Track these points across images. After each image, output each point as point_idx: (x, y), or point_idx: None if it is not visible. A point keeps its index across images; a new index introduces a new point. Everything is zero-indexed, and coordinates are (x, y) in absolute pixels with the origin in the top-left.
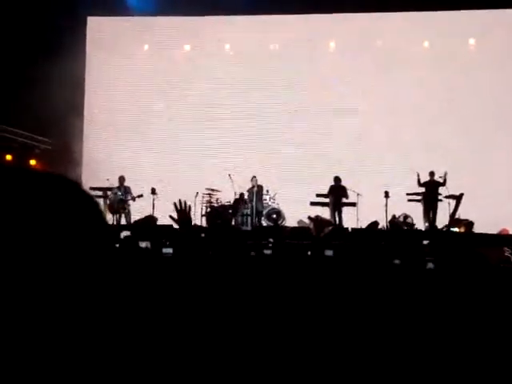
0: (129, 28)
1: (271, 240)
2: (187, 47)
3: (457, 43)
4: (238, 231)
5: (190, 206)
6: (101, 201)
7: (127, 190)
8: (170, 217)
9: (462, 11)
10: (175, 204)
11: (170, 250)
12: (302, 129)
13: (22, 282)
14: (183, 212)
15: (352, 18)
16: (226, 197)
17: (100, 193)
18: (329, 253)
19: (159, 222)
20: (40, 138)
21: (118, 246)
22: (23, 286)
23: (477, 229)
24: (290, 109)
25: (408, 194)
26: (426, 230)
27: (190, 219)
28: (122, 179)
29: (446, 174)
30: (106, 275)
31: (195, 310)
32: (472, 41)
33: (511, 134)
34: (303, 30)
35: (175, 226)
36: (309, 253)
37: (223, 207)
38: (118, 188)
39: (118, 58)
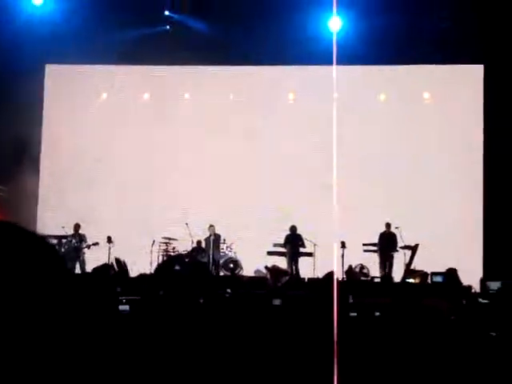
0: (88, 76)
1: (228, 290)
2: (146, 96)
3: (412, 97)
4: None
5: (124, 262)
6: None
7: (82, 238)
8: (116, 260)
9: (417, 65)
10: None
11: (126, 308)
12: (259, 178)
13: None
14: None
15: (309, 70)
16: (184, 245)
17: (55, 241)
18: (276, 302)
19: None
20: None
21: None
22: None
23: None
24: (248, 157)
25: (364, 245)
26: (381, 280)
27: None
28: (77, 227)
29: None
30: (67, 322)
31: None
32: (426, 95)
33: (464, 187)
34: (262, 81)
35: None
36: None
37: (180, 256)
38: (73, 236)
39: (76, 106)
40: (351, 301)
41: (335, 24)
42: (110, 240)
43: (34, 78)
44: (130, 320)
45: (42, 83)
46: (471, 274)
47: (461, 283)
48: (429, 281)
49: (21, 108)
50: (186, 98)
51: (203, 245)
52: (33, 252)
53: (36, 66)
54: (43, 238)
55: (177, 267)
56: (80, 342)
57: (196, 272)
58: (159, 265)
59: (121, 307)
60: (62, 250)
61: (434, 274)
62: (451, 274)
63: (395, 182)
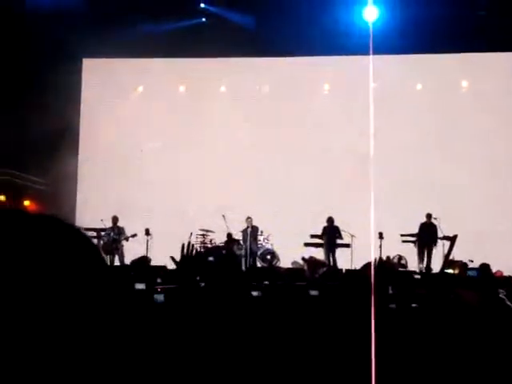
0: (124, 69)
1: (266, 282)
2: (182, 88)
3: (449, 85)
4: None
5: (193, 247)
6: (94, 241)
7: (120, 231)
8: (172, 258)
9: (454, 54)
10: (183, 246)
11: (161, 297)
12: (296, 169)
13: (20, 323)
14: (188, 257)
15: (346, 61)
16: (221, 237)
17: (94, 233)
18: (314, 293)
19: (153, 263)
20: (34, 178)
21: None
22: (22, 328)
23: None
24: (285, 149)
25: (402, 235)
26: (420, 271)
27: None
28: (115, 219)
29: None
30: (106, 316)
31: (188, 351)
32: (465, 83)
33: (503, 175)
34: (298, 72)
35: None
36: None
37: (217, 248)
38: (112, 228)
39: (112, 99)
40: (391, 292)
41: (371, 14)
42: (147, 232)
43: (72, 71)
44: (164, 310)
45: (80, 76)
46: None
47: (494, 277)
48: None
49: (59, 102)
50: (221, 90)
51: (240, 237)
52: (71, 245)
53: (74, 60)
54: (80, 231)
55: (210, 258)
56: (112, 333)
57: (228, 263)
58: (192, 255)
59: (156, 296)
60: (101, 242)
61: (468, 269)
62: (485, 269)
63: (433, 173)
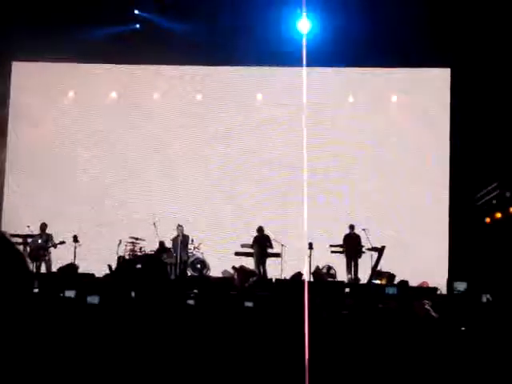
0: (55, 73)
1: (195, 291)
2: (114, 94)
3: (380, 99)
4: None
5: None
6: (21, 248)
7: (49, 238)
8: (109, 266)
9: (384, 68)
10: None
11: (95, 300)
12: (230, 179)
13: None
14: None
15: (280, 71)
16: (151, 246)
17: (20, 240)
18: (249, 304)
19: (80, 270)
20: None
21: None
22: None
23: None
24: (217, 158)
25: (331, 246)
26: (348, 281)
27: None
28: (43, 226)
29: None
30: (21, 319)
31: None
32: (394, 98)
33: (432, 187)
34: (232, 82)
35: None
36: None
37: (146, 256)
38: (40, 235)
39: (42, 104)
40: (318, 301)
41: (304, 26)
42: (76, 239)
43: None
44: (99, 312)
45: (9, 80)
46: (438, 275)
47: (411, 294)
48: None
49: None
50: (155, 98)
51: (170, 245)
52: None
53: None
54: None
55: (138, 266)
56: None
57: (156, 270)
58: (121, 264)
59: (89, 298)
60: (28, 249)
61: (387, 285)
62: (403, 286)
63: (363, 184)
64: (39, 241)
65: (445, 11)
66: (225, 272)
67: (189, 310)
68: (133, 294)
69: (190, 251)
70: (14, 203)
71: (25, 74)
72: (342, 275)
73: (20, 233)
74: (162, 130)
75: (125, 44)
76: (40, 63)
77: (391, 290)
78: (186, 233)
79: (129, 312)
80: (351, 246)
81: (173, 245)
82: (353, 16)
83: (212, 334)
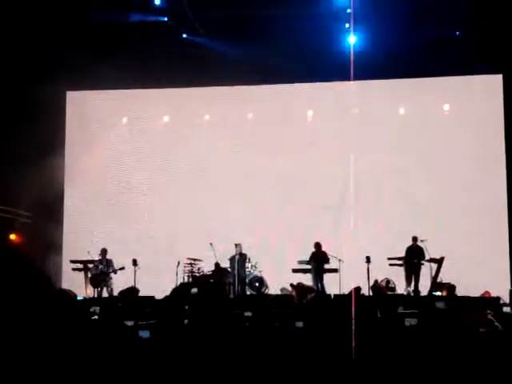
0: (108, 101)
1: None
2: (166, 118)
3: (431, 109)
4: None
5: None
6: (81, 273)
7: (109, 263)
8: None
9: (435, 78)
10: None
11: (146, 334)
12: (285, 195)
13: None
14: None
15: (329, 87)
16: (209, 266)
17: (81, 266)
18: (299, 324)
19: (141, 293)
20: (20, 211)
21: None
22: None
23: (459, 292)
24: (272, 175)
25: (389, 259)
26: (407, 294)
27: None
28: (104, 252)
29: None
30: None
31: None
32: (446, 106)
33: (489, 196)
34: (281, 100)
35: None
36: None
37: (204, 277)
38: (100, 261)
39: (97, 132)
40: (379, 315)
41: (352, 40)
42: (135, 263)
43: (56, 105)
44: (150, 345)
45: (64, 110)
46: (500, 285)
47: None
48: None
49: (45, 135)
50: (206, 118)
51: (228, 264)
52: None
53: (57, 93)
54: (30, 262)
55: (193, 290)
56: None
57: (212, 294)
58: (176, 288)
59: (141, 333)
60: (89, 274)
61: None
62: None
63: (418, 196)
64: (100, 267)
65: (494, 16)
66: (283, 289)
67: (246, 329)
68: (186, 321)
69: (247, 270)
70: (74, 228)
71: (79, 103)
72: (401, 288)
73: (81, 259)
74: (215, 150)
75: (176, 68)
76: (93, 91)
77: (440, 305)
78: (243, 251)
79: (181, 343)
80: (413, 258)
81: (230, 264)
82: (400, 27)
83: (268, 353)
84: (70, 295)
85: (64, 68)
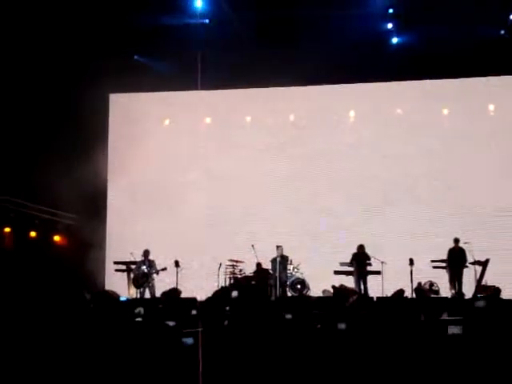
0: (150, 103)
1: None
2: (208, 120)
3: (476, 109)
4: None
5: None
6: (124, 274)
7: (151, 264)
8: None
9: (479, 78)
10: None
11: (190, 341)
12: (326, 197)
13: None
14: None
15: (371, 88)
16: (251, 267)
17: (123, 267)
18: (341, 326)
19: (183, 295)
20: (63, 213)
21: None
22: None
23: (504, 295)
24: (313, 177)
25: (433, 261)
26: (452, 297)
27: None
28: (146, 253)
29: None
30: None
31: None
32: (491, 107)
33: None
34: (323, 101)
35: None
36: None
37: (246, 278)
38: (143, 262)
39: (140, 133)
40: (422, 319)
41: (394, 40)
42: (177, 264)
43: (99, 107)
44: (194, 351)
45: (107, 112)
46: None
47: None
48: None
49: (88, 137)
50: (247, 120)
51: (269, 266)
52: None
53: (100, 96)
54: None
55: (234, 293)
56: None
57: (254, 297)
58: (217, 291)
59: (184, 339)
60: (132, 275)
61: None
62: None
63: (462, 198)
64: (142, 267)
65: None
66: (325, 291)
67: (286, 327)
68: (226, 322)
69: (289, 272)
70: (117, 230)
71: (122, 105)
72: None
73: (123, 260)
74: (256, 151)
75: (216, 69)
76: (135, 94)
77: (480, 303)
78: (284, 253)
79: (222, 345)
80: (455, 261)
81: (272, 266)
82: (444, 27)
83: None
84: (113, 296)
85: (107, 71)
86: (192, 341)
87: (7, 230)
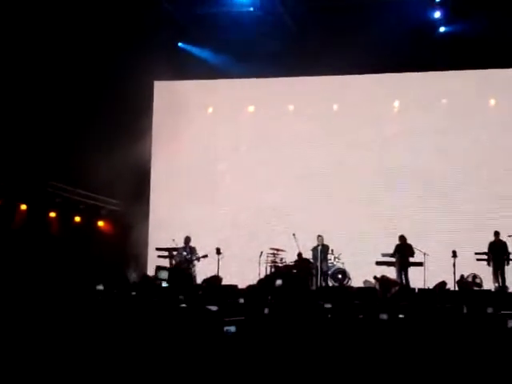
0: (193, 91)
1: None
2: (251, 108)
3: None
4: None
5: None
6: (166, 260)
7: (192, 251)
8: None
9: None
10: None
11: (233, 329)
12: (369, 187)
13: None
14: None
15: (416, 77)
16: (292, 256)
17: (165, 253)
18: (383, 316)
19: (224, 282)
20: (107, 199)
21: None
22: None
23: None
24: (355, 167)
25: (477, 254)
26: (495, 290)
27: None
28: (187, 239)
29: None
30: None
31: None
32: None
33: None
34: (367, 90)
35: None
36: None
37: (287, 267)
38: (184, 248)
39: (183, 120)
40: (464, 311)
41: (441, 28)
42: (218, 251)
43: (143, 94)
44: (236, 340)
45: (152, 99)
46: None
47: None
48: None
49: (132, 124)
50: (290, 109)
51: (310, 255)
52: None
53: (145, 83)
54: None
55: (278, 281)
56: None
57: (296, 286)
58: (261, 280)
59: (226, 328)
60: (173, 262)
61: None
62: None
63: (508, 188)
64: (183, 253)
65: None
66: (366, 282)
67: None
68: (266, 310)
69: (330, 261)
70: (159, 217)
71: (166, 93)
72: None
73: (165, 247)
74: (299, 141)
75: (261, 58)
76: (180, 81)
77: None
78: (325, 242)
79: (263, 333)
80: (497, 254)
81: (313, 255)
82: (492, 15)
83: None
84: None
85: (152, 58)
86: (235, 329)
87: (53, 214)
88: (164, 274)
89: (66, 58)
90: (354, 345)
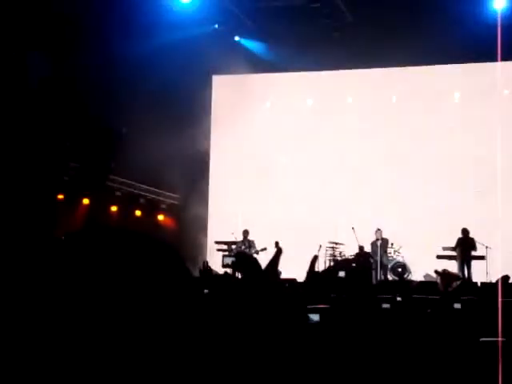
0: (251, 85)
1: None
2: (310, 102)
3: None
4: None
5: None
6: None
7: (251, 244)
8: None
9: None
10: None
11: (316, 317)
12: (428, 181)
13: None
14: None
15: (474, 68)
16: (351, 250)
17: (225, 246)
18: (457, 306)
19: (282, 276)
20: (166, 193)
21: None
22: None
23: None
24: (415, 160)
25: None
26: None
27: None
28: (245, 233)
29: None
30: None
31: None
32: None
33: None
34: (427, 81)
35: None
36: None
37: (346, 261)
38: (242, 242)
39: (241, 115)
40: None
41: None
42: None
43: (201, 89)
44: (320, 330)
45: (211, 93)
46: None
47: None
48: None
49: (189, 119)
50: (349, 102)
51: (369, 249)
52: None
53: (203, 77)
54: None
55: (341, 273)
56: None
57: (358, 279)
58: (324, 270)
59: (311, 316)
60: (232, 255)
61: None
62: None
63: None
64: (242, 247)
65: None
66: (427, 276)
67: (384, 314)
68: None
69: (390, 255)
70: (219, 209)
71: (224, 87)
72: None
73: (224, 240)
74: (356, 133)
75: (318, 51)
76: (237, 75)
77: None
78: (384, 236)
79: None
80: None
81: (372, 249)
82: None
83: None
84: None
85: (210, 53)
86: (318, 318)
87: (114, 208)
88: (228, 260)
89: (129, 50)
90: (416, 339)
